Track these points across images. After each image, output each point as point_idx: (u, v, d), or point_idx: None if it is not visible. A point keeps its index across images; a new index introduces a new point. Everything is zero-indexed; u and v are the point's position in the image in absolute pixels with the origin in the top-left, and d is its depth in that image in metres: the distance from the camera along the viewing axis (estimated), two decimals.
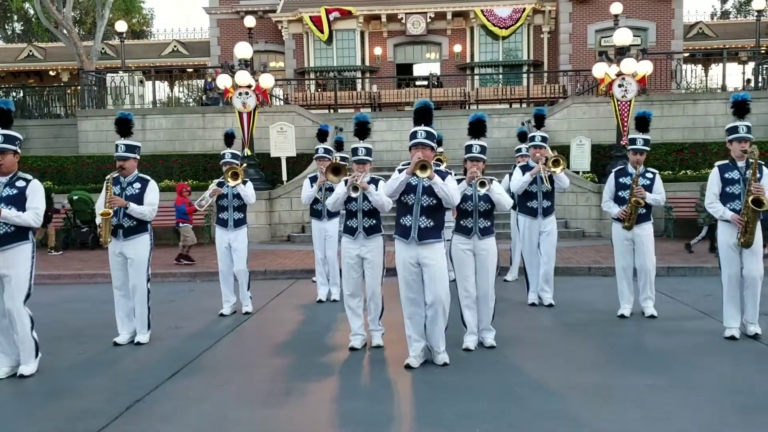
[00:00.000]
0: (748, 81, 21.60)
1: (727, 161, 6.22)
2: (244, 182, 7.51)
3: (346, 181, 5.70)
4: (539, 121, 8.20)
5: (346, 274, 6.02)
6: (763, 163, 6.03)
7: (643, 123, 7.13)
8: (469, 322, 5.98)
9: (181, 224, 11.67)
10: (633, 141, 7.08)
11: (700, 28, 26.31)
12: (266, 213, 14.15)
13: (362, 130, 5.96)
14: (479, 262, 5.90)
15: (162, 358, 5.92)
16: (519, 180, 7.73)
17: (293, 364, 5.74)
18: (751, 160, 5.94)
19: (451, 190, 5.24)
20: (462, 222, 5.91)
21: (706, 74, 27.50)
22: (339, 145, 9.25)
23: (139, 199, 6.24)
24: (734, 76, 24.11)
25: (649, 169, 7.16)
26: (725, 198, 6.14)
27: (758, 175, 5.92)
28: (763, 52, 20.64)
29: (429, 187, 5.24)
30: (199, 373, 5.52)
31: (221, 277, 7.71)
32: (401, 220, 5.41)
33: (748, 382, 5.03)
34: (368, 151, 5.97)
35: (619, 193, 7.10)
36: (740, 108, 6.15)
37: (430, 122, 5.34)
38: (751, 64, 20.71)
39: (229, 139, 8.08)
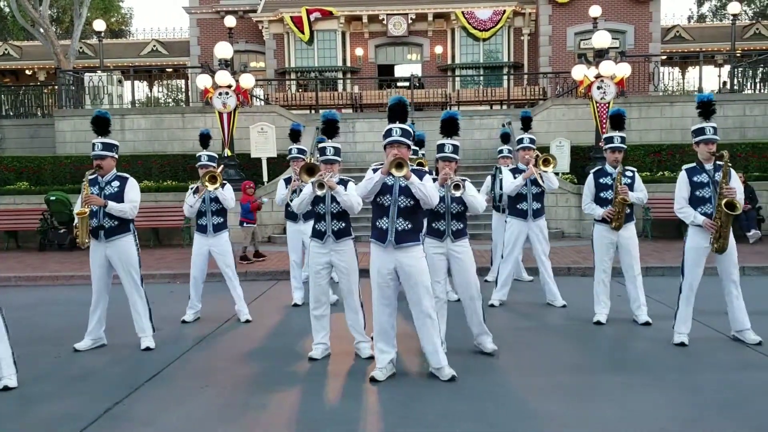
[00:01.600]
0: (724, 83, 21.96)
1: (694, 164, 6.02)
2: (223, 185, 7.27)
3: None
4: (526, 123, 8.23)
5: (312, 281, 5.74)
6: (731, 165, 5.89)
7: (617, 121, 6.94)
8: None
9: (246, 224, 11.50)
10: (610, 139, 6.85)
11: (678, 32, 26.66)
12: None
13: (330, 128, 5.67)
14: (456, 266, 5.66)
15: (140, 361, 5.86)
16: (511, 183, 7.70)
17: (276, 367, 5.70)
18: (720, 163, 5.80)
19: (429, 190, 4.93)
20: (434, 225, 5.64)
21: (683, 77, 27.89)
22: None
23: (118, 197, 6.11)
24: (711, 78, 24.52)
25: (628, 167, 6.96)
26: (695, 202, 5.93)
27: (727, 178, 5.78)
28: (738, 55, 20.96)
29: (406, 187, 4.94)
30: (178, 376, 5.47)
31: (192, 282, 7.47)
32: (377, 223, 5.09)
33: (726, 379, 5.08)
34: (337, 151, 5.69)
35: (601, 194, 6.90)
36: (706, 109, 5.98)
37: (405, 119, 5.07)
38: (727, 67, 21.01)
39: (204, 140, 7.78)
